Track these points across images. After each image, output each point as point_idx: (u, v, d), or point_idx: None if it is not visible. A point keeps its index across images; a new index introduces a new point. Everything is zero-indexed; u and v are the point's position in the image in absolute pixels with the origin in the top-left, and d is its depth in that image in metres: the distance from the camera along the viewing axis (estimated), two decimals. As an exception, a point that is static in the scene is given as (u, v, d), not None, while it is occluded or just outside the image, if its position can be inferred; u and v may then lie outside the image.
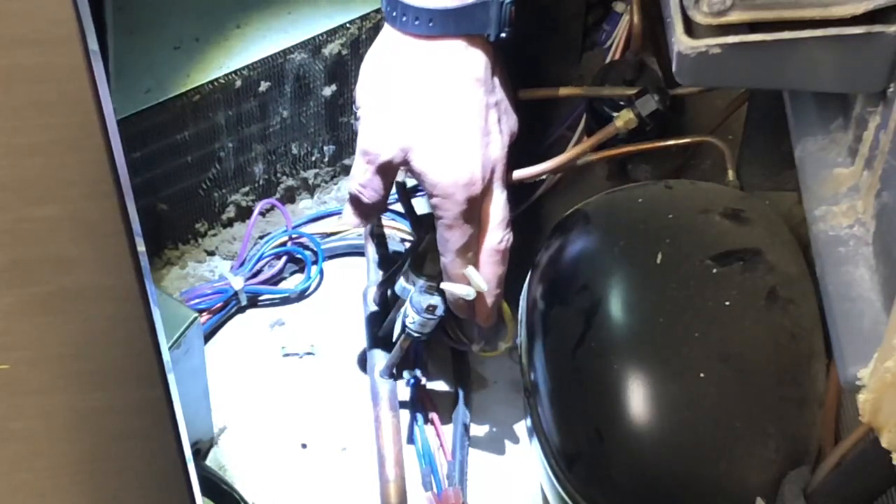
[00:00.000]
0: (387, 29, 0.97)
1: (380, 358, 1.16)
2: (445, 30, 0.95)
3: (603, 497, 0.95)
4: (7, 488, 0.73)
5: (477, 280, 1.00)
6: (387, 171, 0.99)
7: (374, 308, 1.18)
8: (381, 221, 1.21)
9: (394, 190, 1.14)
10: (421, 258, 1.07)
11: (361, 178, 1.00)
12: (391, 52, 0.97)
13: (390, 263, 1.16)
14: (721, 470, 0.91)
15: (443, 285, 1.03)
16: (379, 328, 1.16)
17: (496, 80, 0.99)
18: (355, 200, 1.02)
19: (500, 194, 1.00)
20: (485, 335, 1.08)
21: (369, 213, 1.03)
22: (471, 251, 0.99)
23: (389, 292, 1.15)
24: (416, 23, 0.95)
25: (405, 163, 0.97)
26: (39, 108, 0.65)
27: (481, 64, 0.97)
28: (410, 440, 1.16)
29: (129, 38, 1.17)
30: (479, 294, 1.01)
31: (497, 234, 1.00)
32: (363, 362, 1.19)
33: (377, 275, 1.21)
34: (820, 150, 0.82)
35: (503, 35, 0.96)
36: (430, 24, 0.95)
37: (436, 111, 0.96)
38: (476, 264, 1.01)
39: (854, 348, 0.73)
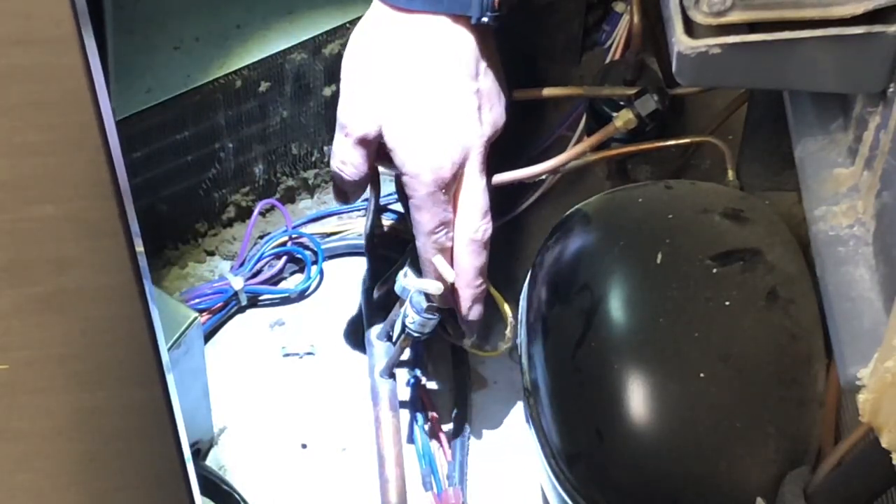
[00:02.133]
0: (374, 2, 0.98)
1: (380, 357, 1.16)
2: (425, 5, 0.95)
3: (603, 497, 0.95)
4: (7, 488, 0.73)
5: (445, 270, 1.00)
6: (364, 145, 0.99)
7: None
8: (382, 221, 1.21)
9: (394, 190, 1.15)
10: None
11: (340, 153, 1.00)
12: (374, 25, 0.98)
13: (390, 263, 1.16)
14: (721, 470, 0.91)
15: (411, 282, 1.03)
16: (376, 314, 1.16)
17: (482, 67, 0.98)
18: (337, 178, 1.02)
19: (477, 183, 0.99)
20: (474, 330, 1.08)
21: (351, 190, 1.03)
22: (442, 236, 0.99)
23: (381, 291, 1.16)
24: None
25: (380, 138, 0.98)
26: (37, 108, 0.65)
27: (463, 46, 0.97)
28: (410, 440, 1.16)
29: (129, 38, 1.17)
30: (457, 285, 1.01)
31: (472, 223, 1.00)
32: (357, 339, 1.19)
33: (377, 275, 1.21)
34: (820, 150, 0.81)
35: (485, 20, 0.95)
36: None
37: (412, 87, 0.96)
38: (450, 252, 1.00)
39: (854, 348, 0.73)
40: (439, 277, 1.01)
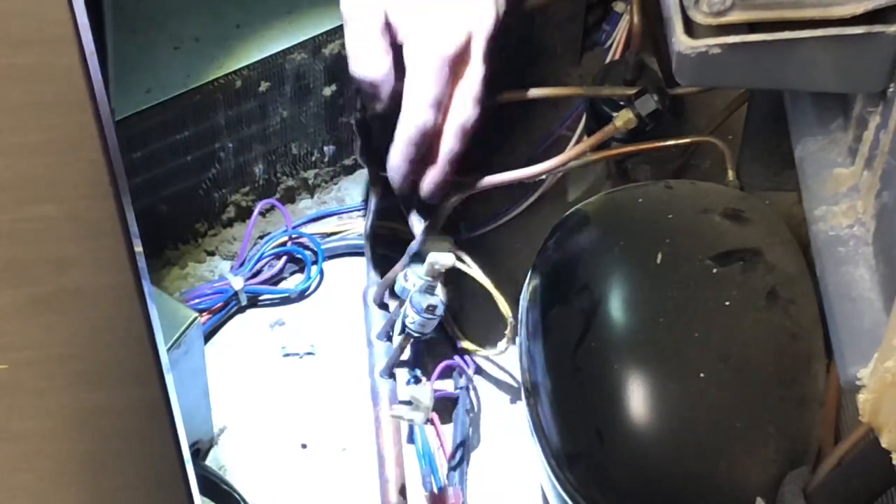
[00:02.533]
0: None
1: (380, 357, 1.16)
2: None
3: (603, 497, 0.95)
4: (7, 488, 0.73)
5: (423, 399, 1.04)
6: (375, 34, 0.97)
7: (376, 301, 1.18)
8: (381, 221, 1.21)
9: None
10: (421, 258, 1.07)
11: (355, 44, 0.97)
12: None
13: (390, 263, 1.16)
14: (721, 470, 0.91)
15: (432, 257, 1.03)
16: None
17: None
18: (362, 82, 0.99)
19: (478, 70, 0.98)
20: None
21: (382, 92, 0.99)
22: (431, 116, 0.97)
23: (389, 292, 1.16)
24: None
25: (389, 23, 0.96)
26: (36, 108, 0.65)
27: None
28: (410, 440, 1.16)
29: (129, 38, 1.17)
30: (433, 144, 0.99)
31: (466, 109, 0.98)
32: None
33: (377, 275, 1.21)
34: (820, 150, 0.81)
35: None
36: None
37: None
38: (432, 138, 0.98)
39: (854, 348, 0.73)
40: (403, 172, 1.00)
